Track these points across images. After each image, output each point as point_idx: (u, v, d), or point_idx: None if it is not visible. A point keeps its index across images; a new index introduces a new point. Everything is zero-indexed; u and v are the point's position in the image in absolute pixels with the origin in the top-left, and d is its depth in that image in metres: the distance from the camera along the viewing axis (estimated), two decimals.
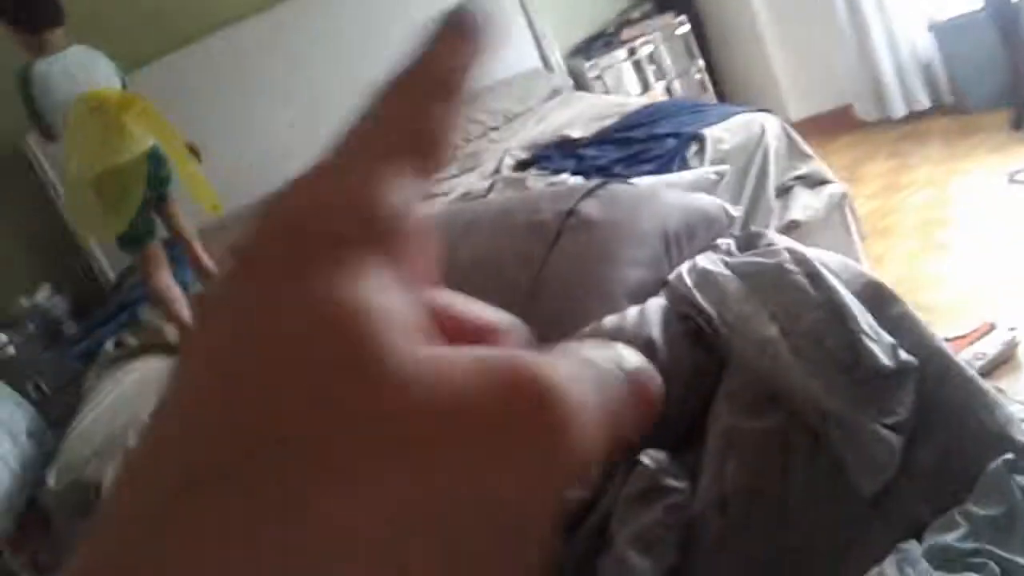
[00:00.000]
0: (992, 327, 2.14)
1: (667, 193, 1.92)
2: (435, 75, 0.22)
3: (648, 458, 1.44)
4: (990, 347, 2.07)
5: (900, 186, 3.27)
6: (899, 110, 3.76)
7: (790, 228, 2.38)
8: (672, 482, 1.44)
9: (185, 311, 2.85)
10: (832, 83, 4.03)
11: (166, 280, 2.92)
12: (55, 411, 3.24)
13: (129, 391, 2.64)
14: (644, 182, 2.08)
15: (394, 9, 3.97)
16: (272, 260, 0.19)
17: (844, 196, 2.52)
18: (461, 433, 0.17)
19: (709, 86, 4.42)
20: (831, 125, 4.06)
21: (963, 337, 2.14)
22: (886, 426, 1.46)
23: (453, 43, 0.23)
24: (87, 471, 2.29)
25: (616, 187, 1.92)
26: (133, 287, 3.53)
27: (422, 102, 0.22)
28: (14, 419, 3.11)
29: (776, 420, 1.50)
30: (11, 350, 3.54)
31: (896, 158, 3.54)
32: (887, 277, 2.56)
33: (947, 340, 2.08)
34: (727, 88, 4.59)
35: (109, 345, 3.02)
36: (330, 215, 0.19)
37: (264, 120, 4.06)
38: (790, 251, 1.62)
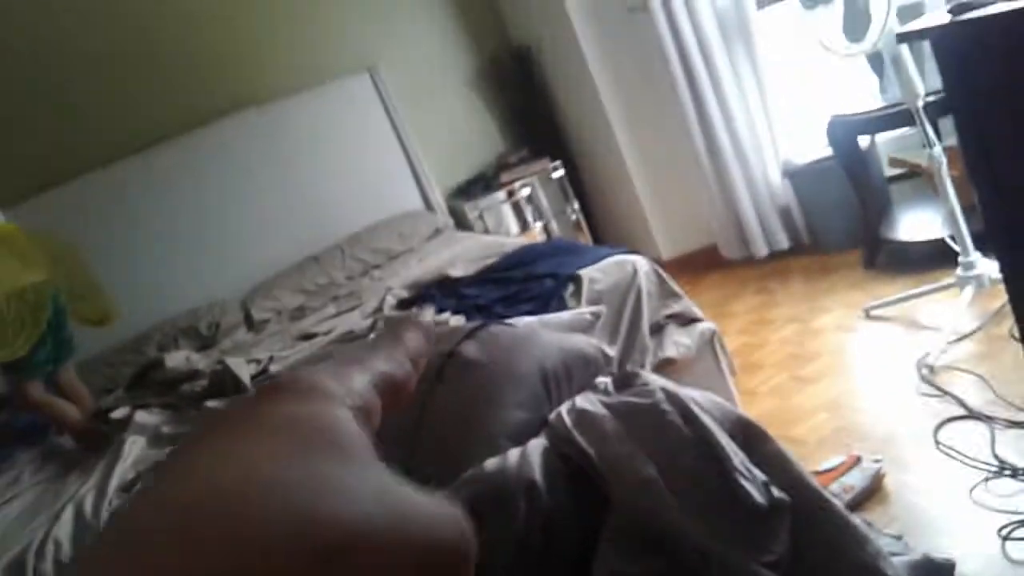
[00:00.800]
0: (858, 459, 2.22)
1: (545, 333, 1.95)
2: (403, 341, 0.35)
3: None
4: (857, 479, 2.14)
5: (766, 321, 3.43)
6: (761, 250, 3.99)
7: (664, 365, 2.45)
8: None
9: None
10: (698, 224, 4.25)
11: (39, 390, 2.92)
12: None
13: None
14: (523, 322, 2.11)
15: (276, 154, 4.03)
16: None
17: (714, 333, 2.62)
18: None
19: (584, 226, 4.60)
20: (699, 264, 4.26)
21: (831, 470, 2.21)
22: (765, 564, 1.48)
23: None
24: None
25: (496, 328, 1.94)
26: None
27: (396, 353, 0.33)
28: None
29: (660, 563, 1.49)
30: None
31: (761, 295, 3.73)
32: (757, 411, 2.66)
33: (816, 474, 2.15)
34: (601, 228, 4.78)
35: None
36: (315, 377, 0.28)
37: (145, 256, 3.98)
38: (664, 390, 1.65)
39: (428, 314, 2.81)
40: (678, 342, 2.54)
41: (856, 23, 2.63)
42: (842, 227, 3.70)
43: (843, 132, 3.33)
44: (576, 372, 1.82)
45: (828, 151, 3.51)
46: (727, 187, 3.97)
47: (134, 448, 2.68)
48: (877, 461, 2.21)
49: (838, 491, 2.10)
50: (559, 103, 4.69)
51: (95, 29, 3.95)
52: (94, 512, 2.30)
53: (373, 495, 0.23)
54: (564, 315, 2.23)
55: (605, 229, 4.77)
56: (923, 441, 2.28)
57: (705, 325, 2.61)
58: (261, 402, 0.27)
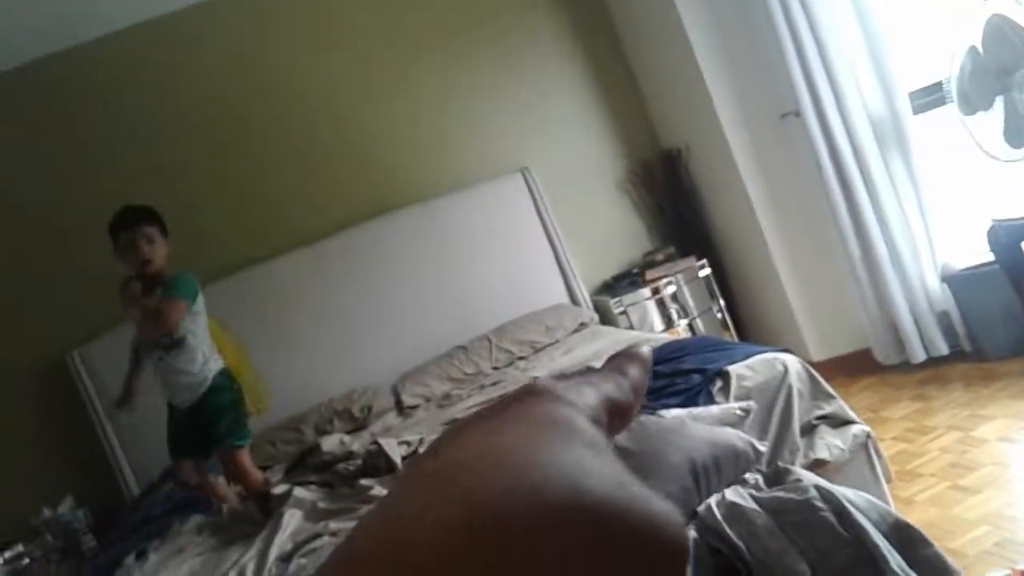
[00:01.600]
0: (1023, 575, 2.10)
1: (695, 426, 1.97)
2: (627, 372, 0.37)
3: None
4: None
5: (924, 429, 3.29)
6: (918, 355, 3.85)
7: (815, 467, 2.39)
8: None
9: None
10: (850, 327, 4.16)
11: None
12: None
13: None
14: (671, 414, 2.14)
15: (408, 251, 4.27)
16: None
17: (869, 436, 2.55)
18: None
19: (731, 325, 4.58)
20: (852, 367, 4.15)
21: None
22: None
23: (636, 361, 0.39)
24: None
25: (645, 419, 1.98)
26: (154, 503, 3.55)
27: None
28: None
29: None
30: (25, 561, 3.51)
31: (919, 401, 3.59)
32: (914, 520, 2.54)
33: None
34: (747, 327, 4.74)
35: (130, 559, 3.00)
36: (559, 388, 0.32)
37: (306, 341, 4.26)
38: (818, 488, 1.64)
39: (646, 349, 2.85)
40: (830, 444, 2.49)
41: (1017, 127, 2.59)
42: (1005, 334, 3.54)
43: (1005, 237, 3.22)
44: (726, 466, 1.83)
45: (989, 256, 3.40)
46: (882, 290, 3.88)
47: (292, 521, 2.83)
48: None
49: None
50: (707, 204, 4.75)
51: (286, 129, 4.35)
52: None
53: (615, 481, 0.26)
54: (713, 409, 2.24)
55: (751, 328, 4.73)
56: None
57: (859, 428, 2.55)
58: (513, 403, 0.30)
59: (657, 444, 1.87)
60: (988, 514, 2.55)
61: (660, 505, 0.26)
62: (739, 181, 4.26)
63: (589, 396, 0.33)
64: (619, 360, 0.38)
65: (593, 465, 0.26)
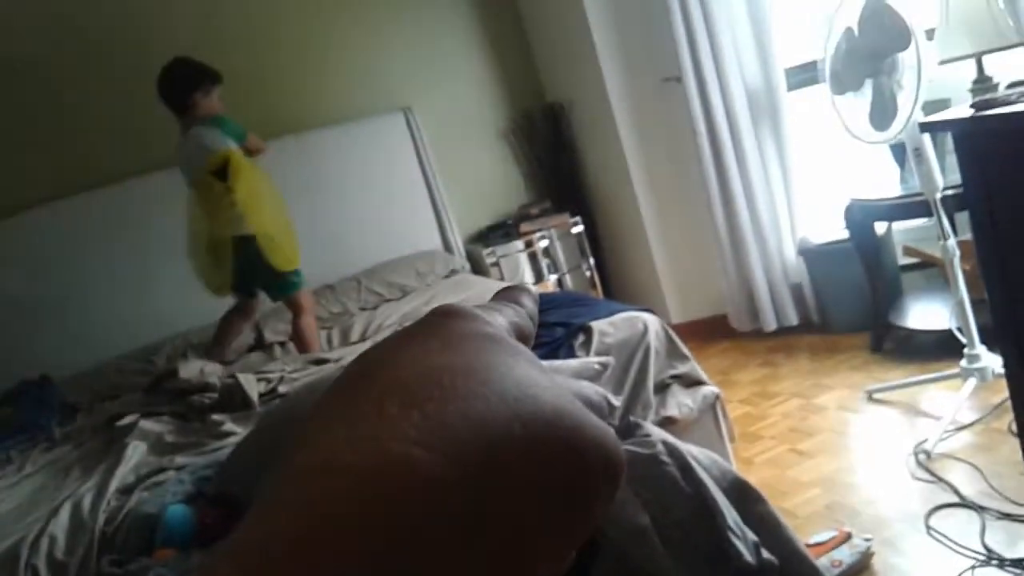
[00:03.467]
0: (848, 536, 2.23)
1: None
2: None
3: None
4: (846, 556, 2.15)
5: (769, 394, 3.45)
6: (770, 324, 4.03)
7: (665, 423, 2.47)
8: None
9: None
10: (710, 293, 4.30)
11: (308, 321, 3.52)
12: None
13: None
14: None
15: None
16: None
17: (717, 397, 2.65)
18: None
19: (598, 283, 4.66)
20: (707, 331, 4.30)
21: (821, 544, 2.22)
22: None
23: None
24: None
25: None
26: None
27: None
28: None
29: None
30: None
31: (766, 368, 3.76)
32: (752, 480, 2.66)
33: (807, 546, 2.16)
34: (614, 287, 4.84)
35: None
36: (473, 309, 0.31)
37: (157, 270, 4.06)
38: (665, 443, 1.68)
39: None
40: (681, 402, 2.57)
41: (883, 112, 2.70)
42: (852, 309, 3.74)
43: (861, 216, 3.39)
44: None
45: (845, 234, 3.57)
46: (742, 259, 4.02)
47: (136, 453, 2.72)
48: (867, 540, 2.22)
49: (826, 565, 2.12)
50: (586, 162, 4.78)
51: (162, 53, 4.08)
52: (91, 511, 2.32)
53: (566, 397, 0.25)
54: (572, 362, 2.27)
55: (618, 287, 4.83)
56: (914, 525, 2.29)
57: (709, 388, 2.64)
58: (436, 320, 0.29)
59: None
60: (821, 478, 2.70)
61: (599, 422, 0.26)
62: (617, 141, 4.30)
63: (500, 320, 0.32)
64: (510, 293, 0.38)
65: (543, 380, 0.26)
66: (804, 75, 3.83)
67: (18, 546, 2.20)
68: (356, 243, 4.40)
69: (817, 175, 3.98)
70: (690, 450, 1.70)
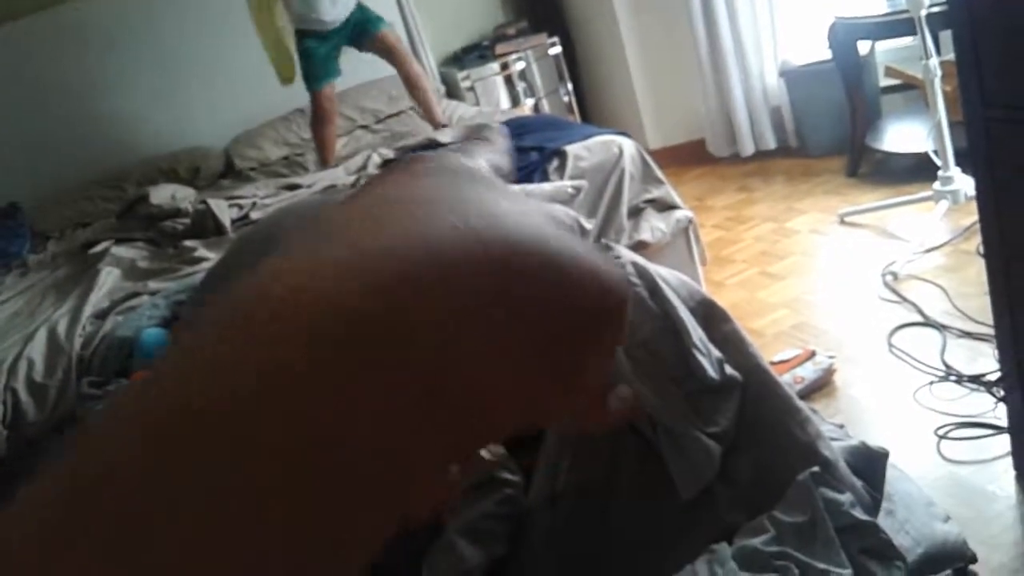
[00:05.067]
0: (812, 354, 2.30)
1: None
2: None
3: (485, 451, 1.47)
4: (809, 372, 2.22)
5: (743, 218, 3.47)
6: (748, 148, 3.99)
7: (638, 247, 2.48)
8: (506, 475, 1.48)
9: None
10: (689, 118, 4.24)
11: (327, 132, 3.47)
12: None
13: None
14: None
15: None
16: None
17: (690, 222, 2.66)
18: None
19: (575, 108, 4.56)
20: (685, 156, 4.27)
21: (785, 362, 2.29)
22: (708, 435, 1.56)
23: None
24: None
25: None
26: None
27: None
28: None
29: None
30: None
31: (742, 192, 3.76)
32: (721, 301, 2.71)
33: (771, 364, 2.23)
34: (592, 111, 4.74)
35: None
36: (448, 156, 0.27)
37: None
38: (635, 264, 1.70)
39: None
40: (654, 226, 2.57)
41: None
42: (830, 132, 3.70)
43: (844, 35, 3.29)
44: None
45: (827, 55, 3.48)
46: (722, 83, 3.94)
47: (109, 278, 2.72)
48: (830, 357, 2.29)
49: (789, 381, 2.19)
50: None
51: None
52: (67, 335, 2.35)
53: (551, 226, 0.23)
54: (546, 186, 2.25)
55: (595, 112, 4.74)
56: (877, 343, 2.36)
57: (682, 213, 2.65)
58: (413, 163, 0.26)
59: None
60: (789, 299, 2.75)
61: (599, 255, 0.24)
62: None
63: (480, 160, 0.29)
64: (482, 131, 0.34)
65: (516, 206, 0.23)
66: None
67: None
68: None
69: None
70: (659, 271, 1.71)
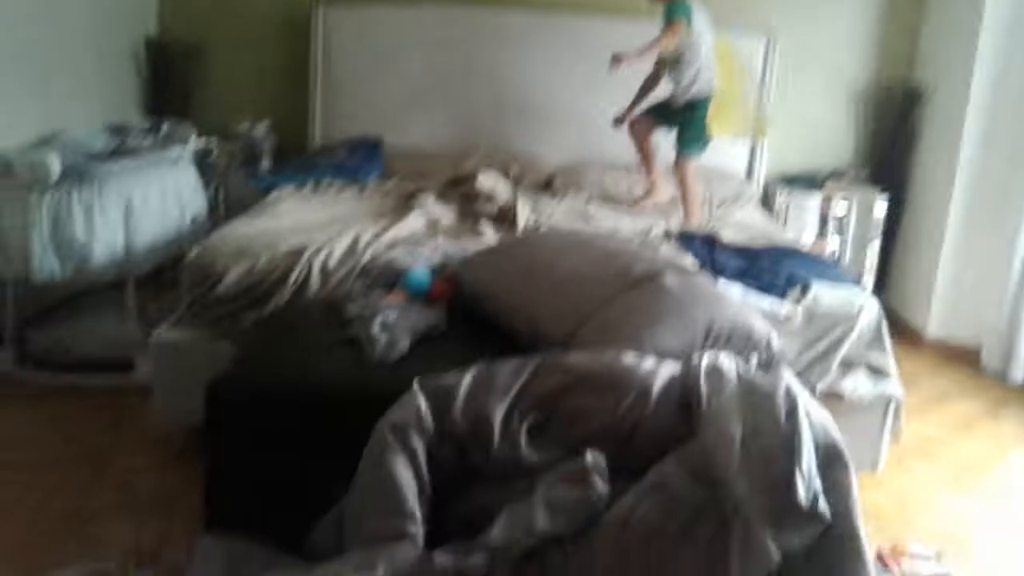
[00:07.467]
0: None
1: (733, 301, 2.25)
2: None
3: (591, 455, 1.78)
4: (922, 569, 2.27)
5: (972, 434, 3.40)
6: (1018, 376, 3.86)
7: (831, 397, 2.61)
8: (598, 480, 1.77)
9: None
10: (977, 319, 4.14)
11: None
12: (216, 214, 3.96)
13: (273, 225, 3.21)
14: (726, 285, 2.40)
15: None
16: None
17: (896, 402, 2.73)
18: None
19: (875, 262, 4.63)
20: (955, 358, 4.18)
21: (912, 555, 2.35)
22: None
23: None
24: (216, 264, 2.84)
25: (700, 277, 2.26)
26: (322, 161, 4.24)
27: None
28: (191, 202, 3.81)
29: (700, 494, 1.80)
30: (214, 154, 4.23)
31: (988, 419, 3.59)
32: (870, 498, 2.61)
33: (894, 547, 2.31)
34: (890, 269, 4.77)
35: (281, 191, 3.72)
36: None
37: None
38: (787, 388, 1.90)
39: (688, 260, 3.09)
40: (857, 386, 2.69)
41: None
42: None
43: None
44: (735, 341, 2.12)
45: None
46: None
47: (415, 222, 3.35)
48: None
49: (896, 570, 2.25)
50: (919, 147, 4.67)
51: None
52: (365, 246, 2.97)
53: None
54: (764, 301, 2.49)
55: (891, 272, 4.78)
56: None
57: (893, 387, 2.73)
58: None
59: (693, 298, 2.18)
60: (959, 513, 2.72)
61: None
62: (959, 134, 4.18)
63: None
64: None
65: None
66: None
67: (306, 246, 2.89)
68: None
69: None
70: (807, 402, 1.90)
